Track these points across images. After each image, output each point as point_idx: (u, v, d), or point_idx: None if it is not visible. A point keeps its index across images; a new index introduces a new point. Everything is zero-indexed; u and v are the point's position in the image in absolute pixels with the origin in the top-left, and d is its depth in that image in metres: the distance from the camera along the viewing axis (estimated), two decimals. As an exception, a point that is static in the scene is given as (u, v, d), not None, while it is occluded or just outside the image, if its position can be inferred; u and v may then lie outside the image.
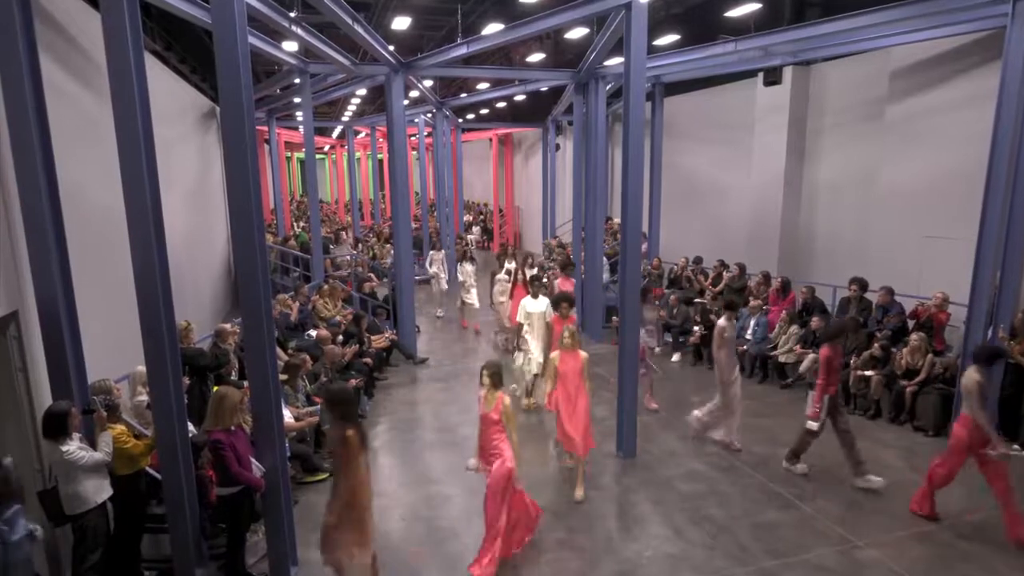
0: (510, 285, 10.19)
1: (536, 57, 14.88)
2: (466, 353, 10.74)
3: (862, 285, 8.50)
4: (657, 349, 8.87)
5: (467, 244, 14.71)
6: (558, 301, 7.16)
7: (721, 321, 6.79)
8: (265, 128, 17.21)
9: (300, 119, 17.99)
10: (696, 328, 9.80)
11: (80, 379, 4.58)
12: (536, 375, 7.62)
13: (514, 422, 4.73)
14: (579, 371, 5.73)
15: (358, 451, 3.91)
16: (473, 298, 11.81)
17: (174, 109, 10.85)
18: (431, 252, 13.48)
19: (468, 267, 11.81)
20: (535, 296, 7.72)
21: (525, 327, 7.74)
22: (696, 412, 6.98)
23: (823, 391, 5.75)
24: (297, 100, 15.37)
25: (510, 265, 10.93)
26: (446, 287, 13.21)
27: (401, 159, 10.08)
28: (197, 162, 12.35)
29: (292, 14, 8.19)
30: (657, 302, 9.55)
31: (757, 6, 9.32)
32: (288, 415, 5.90)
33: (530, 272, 10.24)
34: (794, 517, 5.41)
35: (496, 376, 4.74)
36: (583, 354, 5.81)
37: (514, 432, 4.74)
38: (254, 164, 4.23)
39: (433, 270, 13.12)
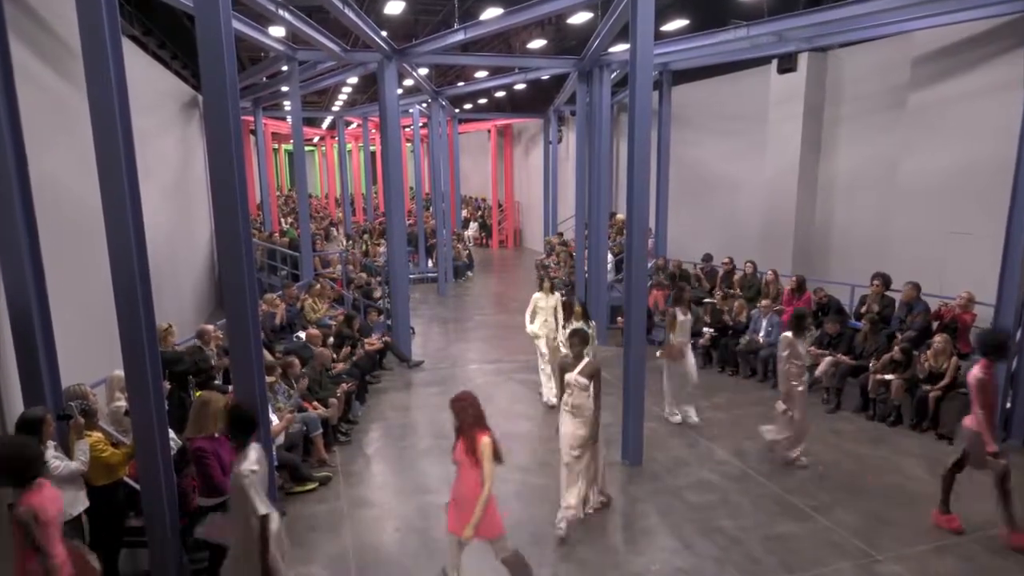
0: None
1: (537, 44, 14.86)
2: (463, 356, 10.74)
3: (886, 281, 8.43)
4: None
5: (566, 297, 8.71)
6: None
7: None
8: (251, 118, 17.24)
9: (288, 109, 18.03)
10: (706, 330, 9.79)
11: (53, 384, 4.55)
12: None
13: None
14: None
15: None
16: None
17: (153, 98, 10.85)
18: (536, 295, 8.36)
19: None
20: None
21: None
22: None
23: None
24: (285, 89, 15.38)
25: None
26: (545, 352, 8.33)
27: (395, 151, 10.07)
28: (178, 154, 12.35)
29: (279, -3, 8.18)
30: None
31: (770, -11, 9.32)
32: (276, 421, 5.89)
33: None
34: (810, 529, 5.39)
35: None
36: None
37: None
38: (239, 156, 4.21)
39: (535, 327, 8.24)
